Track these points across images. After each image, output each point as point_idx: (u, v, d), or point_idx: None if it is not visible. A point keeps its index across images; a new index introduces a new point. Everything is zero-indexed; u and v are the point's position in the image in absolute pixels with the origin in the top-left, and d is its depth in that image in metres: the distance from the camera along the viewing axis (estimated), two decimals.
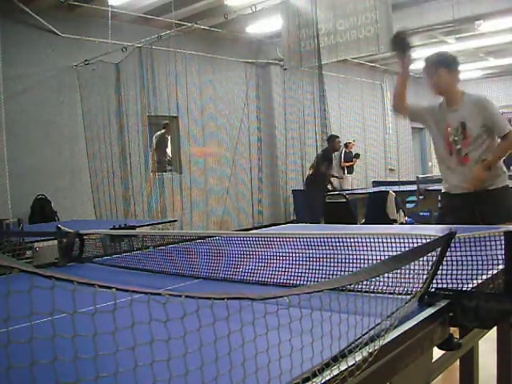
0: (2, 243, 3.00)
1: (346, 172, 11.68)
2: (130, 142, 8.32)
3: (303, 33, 6.97)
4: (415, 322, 1.17)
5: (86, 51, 7.83)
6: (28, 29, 7.43)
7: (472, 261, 1.45)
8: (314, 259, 1.70)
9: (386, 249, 1.61)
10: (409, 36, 3.26)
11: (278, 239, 2.04)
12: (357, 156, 11.90)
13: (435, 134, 3.36)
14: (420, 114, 3.45)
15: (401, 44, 3.17)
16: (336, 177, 9.04)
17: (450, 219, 3.14)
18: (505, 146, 3.20)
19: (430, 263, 1.26)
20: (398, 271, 1.19)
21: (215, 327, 0.74)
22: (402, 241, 1.56)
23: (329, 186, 8.71)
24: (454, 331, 1.34)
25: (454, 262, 1.44)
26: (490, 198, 3.17)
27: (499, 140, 3.18)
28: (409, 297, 1.19)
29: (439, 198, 3.60)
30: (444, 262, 1.33)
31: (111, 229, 3.07)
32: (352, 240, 1.79)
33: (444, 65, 3.20)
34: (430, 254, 1.24)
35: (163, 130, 9.25)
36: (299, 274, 1.61)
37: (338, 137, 8.78)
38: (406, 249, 1.33)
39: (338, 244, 1.74)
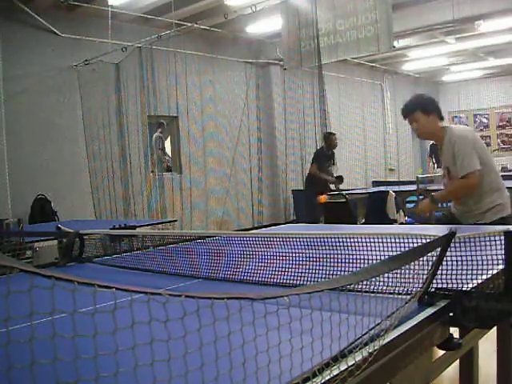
0: (2, 243, 2.99)
1: (435, 167, 10.62)
2: (129, 142, 8.32)
3: (303, 33, 6.98)
4: (415, 322, 1.17)
5: (86, 51, 7.82)
6: (28, 29, 7.42)
7: (472, 261, 1.45)
8: (314, 259, 1.70)
9: (386, 249, 1.61)
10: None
11: (277, 239, 2.04)
12: None
13: None
14: None
15: None
16: (328, 180, 8.13)
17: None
18: (457, 186, 3.01)
19: (430, 263, 1.26)
20: (398, 271, 1.19)
21: (215, 327, 0.74)
22: (402, 241, 1.56)
23: (332, 186, 8.32)
24: (454, 331, 1.34)
25: (454, 262, 1.44)
26: None
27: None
28: (409, 297, 1.19)
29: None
30: (444, 262, 1.33)
31: (111, 229, 3.07)
32: (352, 240, 1.78)
33: (420, 108, 3.05)
34: (429, 254, 1.24)
35: (160, 130, 9.24)
36: (299, 274, 1.60)
37: (333, 134, 8.22)
38: (406, 249, 1.33)
39: (337, 244, 1.74)
